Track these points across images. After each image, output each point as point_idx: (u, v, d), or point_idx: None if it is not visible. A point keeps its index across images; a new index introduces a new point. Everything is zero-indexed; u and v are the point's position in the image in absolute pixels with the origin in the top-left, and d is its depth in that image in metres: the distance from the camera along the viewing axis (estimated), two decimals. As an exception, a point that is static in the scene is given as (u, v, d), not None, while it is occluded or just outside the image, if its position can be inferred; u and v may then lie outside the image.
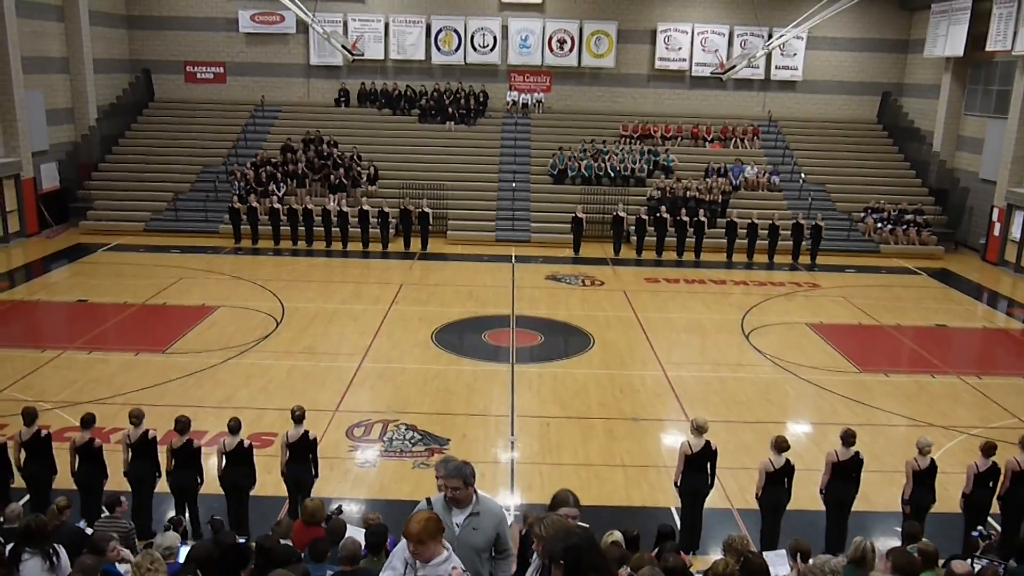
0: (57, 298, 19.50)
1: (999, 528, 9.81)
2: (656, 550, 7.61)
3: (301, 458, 9.75)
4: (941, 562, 7.57)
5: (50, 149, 26.59)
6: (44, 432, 9.68)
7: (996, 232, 25.44)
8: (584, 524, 5.29)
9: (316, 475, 9.97)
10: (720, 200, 26.60)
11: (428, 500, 5.48)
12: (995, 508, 9.79)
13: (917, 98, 31.06)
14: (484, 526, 5.40)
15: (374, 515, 8.28)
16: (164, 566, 5.65)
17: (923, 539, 8.06)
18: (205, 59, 31.78)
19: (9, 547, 6.64)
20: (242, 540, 7.21)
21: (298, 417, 9.72)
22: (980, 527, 8.36)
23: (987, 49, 25.31)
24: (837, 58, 31.92)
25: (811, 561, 6.30)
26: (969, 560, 6.85)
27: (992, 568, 5.80)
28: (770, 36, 29.75)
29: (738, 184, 27.90)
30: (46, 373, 14.60)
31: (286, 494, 10.06)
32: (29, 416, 9.55)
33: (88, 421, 9.53)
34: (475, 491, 5.46)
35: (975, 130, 27.85)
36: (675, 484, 9.98)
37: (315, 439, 9.89)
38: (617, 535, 6.95)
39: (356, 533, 7.25)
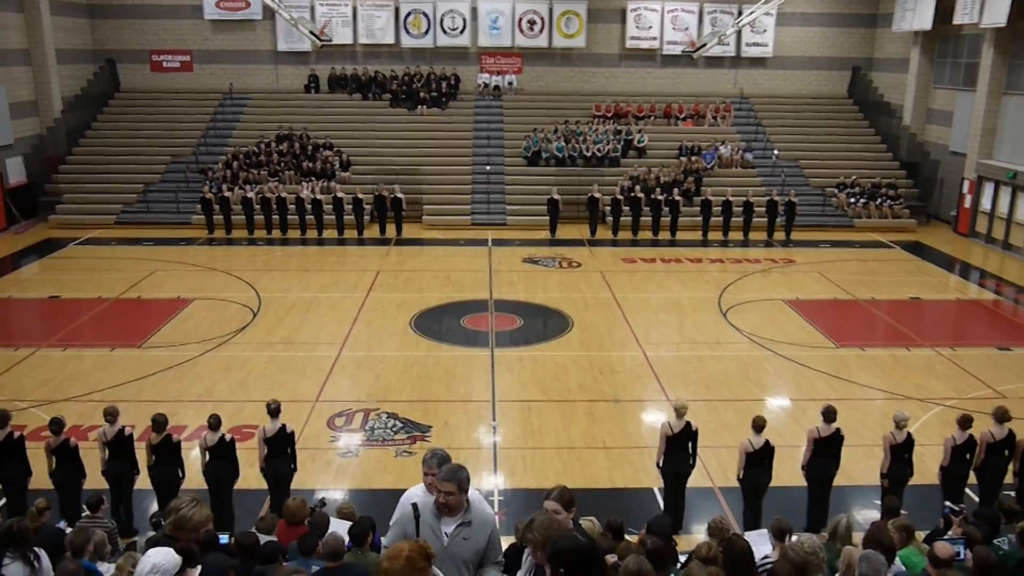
0: (28, 295, 19.20)
1: (977, 499, 9.98)
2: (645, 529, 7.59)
3: (280, 452, 9.69)
4: (921, 535, 7.70)
5: (15, 143, 26.09)
6: (17, 434, 9.53)
7: (967, 204, 25.72)
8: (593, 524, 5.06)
9: (295, 468, 9.93)
10: (693, 183, 26.62)
11: (415, 506, 5.02)
12: (972, 479, 9.95)
13: (887, 72, 31.24)
14: (475, 536, 5.01)
15: (348, 506, 8.26)
16: (147, 568, 5.58)
17: (902, 512, 8.17)
18: (171, 47, 31.28)
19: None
20: (224, 537, 7.15)
21: (274, 411, 9.65)
22: (948, 503, 8.46)
23: (955, 22, 25.46)
24: (807, 34, 32.00)
25: (793, 538, 6.36)
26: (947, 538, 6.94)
27: (985, 552, 5.78)
28: (740, 13, 29.76)
29: (711, 166, 27.94)
30: (20, 372, 14.40)
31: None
32: (1, 419, 9.40)
33: (58, 425, 9.39)
34: (467, 497, 5.06)
35: (944, 103, 28.08)
36: (657, 465, 10.03)
37: (292, 432, 9.83)
38: (595, 523, 6.95)
39: (341, 526, 7.23)
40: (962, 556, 6.24)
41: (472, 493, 5.12)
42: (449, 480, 4.93)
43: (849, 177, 27.46)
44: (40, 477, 9.62)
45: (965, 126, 26.22)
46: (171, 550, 4.56)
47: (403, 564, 3.72)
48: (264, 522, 7.39)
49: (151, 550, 4.63)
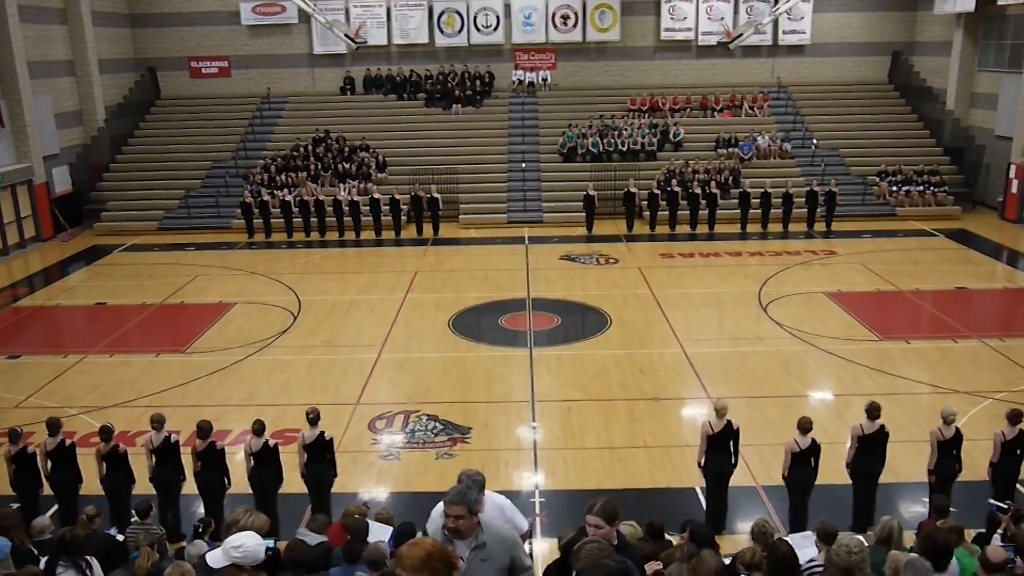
0: (76, 302, 19.65)
1: (1027, 495, 9.78)
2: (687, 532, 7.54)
3: (319, 459, 9.78)
4: (970, 533, 7.54)
5: (61, 152, 26.70)
6: (68, 442, 9.77)
7: (1014, 189, 25.09)
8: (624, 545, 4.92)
9: (335, 474, 10.03)
10: (730, 177, 26.31)
11: (424, 534, 4.87)
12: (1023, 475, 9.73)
13: (928, 56, 30.57)
14: (494, 555, 4.73)
15: (385, 510, 8.30)
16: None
17: (952, 510, 8.02)
18: (209, 54, 31.75)
19: (44, 560, 6.73)
20: (270, 541, 7.25)
21: (313, 419, 9.75)
22: (992, 500, 8.28)
23: (999, 3, 24.85)
24: (845, 19, 31.43)
25: (837, 540, 6.27)
26: (999, 539, 6.79)
27: None
28: (776, 1, 29.32)
29: (748, 157, 27.61)
30: (70, 378, 14.73)
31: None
32: (53, 426, 9.65)
33: (107, 433, 9.62)
34: (478, 519, 4.81)
35: (989, 86, 27.42)
36: (699, 465, 9.96)
37: (331, 439, 9.91)
38: (636, 528, 6.92)
39: (383, 531, 7.28)
40: (1015, 561, 6.10)
41: (484, 513, 4.86)
42: (457, 503, 4.65)
43: (891, 165, 26.94)
44: (90, 483, 9.84)
45: (1011, 109, 25.58)
46: (263, 543, 4.62)
47: (421, 556, 3.71)
48: (316, 523, 7.46)
49: (244, 532, 4.70)
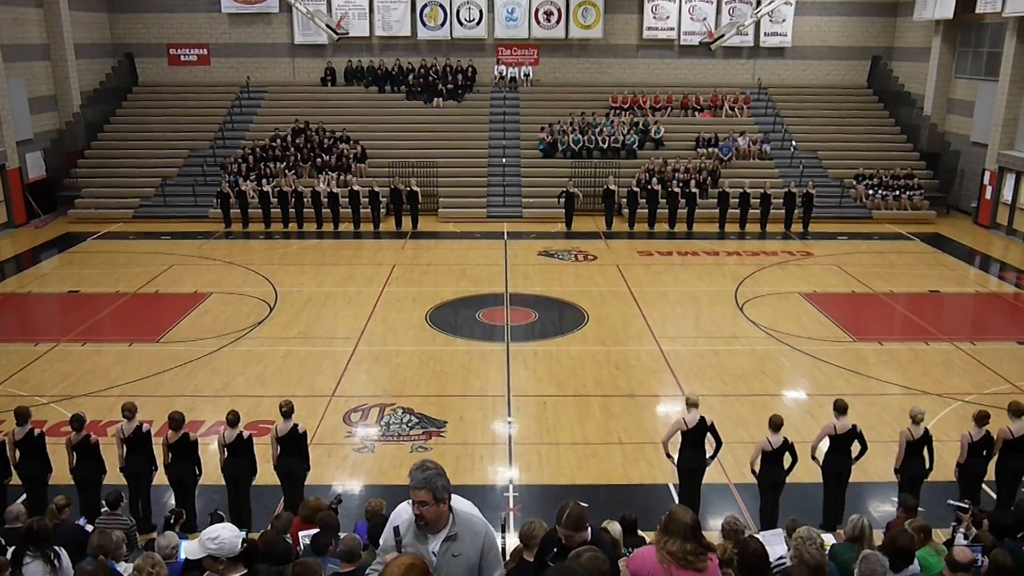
0: (48, 289, 19.40)
1: (994, 496, 9.92)
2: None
3: (292, 452, 9.73)
4: (940, 533, 7.65)
5: (35, 138, 26.30)
6: (37, 431, 9.64)
7: (987, 195, 25.43)
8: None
9: (308, 468, 9.98)
10: (709, 177, 26.43)
11: (396, 529, 4.49)
12: (990, 475, 9.87)
13: (907, 62, 30.87)
14: (466, 550, 4.41)
15: (377, 502, 8.26)
16: (165, 568, 5.65)
17: (920, 509, 8.13)
18: (188, 41, 31.40)
19: (11, 550, 6.65)
20: (243, 532, 7.21)
21: (286, 412, 9.68)
22: (951, 501, 8.43)
23: (977, 11, 25.11)
24: (826, 23, 31.66)
25: (796, 533, 6.30)
26: (962, 537, 6.89)
27: (1002, 555, 5.72)
28: (759, 3, 29.49)
29: (727, 157, 27.76)
30: (41, 367, 14.55)
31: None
32: (21, 416, 9.51)
33: (79, 422, 9.50)
34: (450, 508, 4.48)
35: (966, 93, 27.74)
36: (667, 455, 10.02)
37: (304, 433, 9.86)
38: (616, 526, 6.95)
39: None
40: (979, 562, 6.19)
41: (458, 502, 4.62)
42: (421, 488, 4.30)
43: (868, 168, 27.19)
44: (60, 473, 9.73)
45: (987, 116, 25.90)
46: (240, 534, 4.60)
47: (407, 561, 3.71)
48: (279, 521, 7.42)
49: (221, 524, 4.69)
